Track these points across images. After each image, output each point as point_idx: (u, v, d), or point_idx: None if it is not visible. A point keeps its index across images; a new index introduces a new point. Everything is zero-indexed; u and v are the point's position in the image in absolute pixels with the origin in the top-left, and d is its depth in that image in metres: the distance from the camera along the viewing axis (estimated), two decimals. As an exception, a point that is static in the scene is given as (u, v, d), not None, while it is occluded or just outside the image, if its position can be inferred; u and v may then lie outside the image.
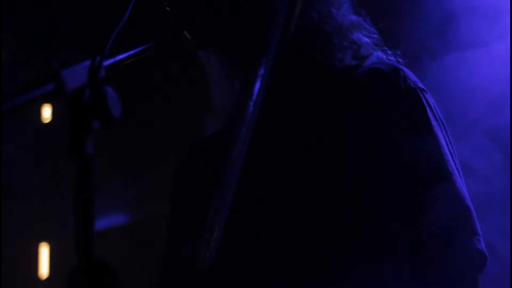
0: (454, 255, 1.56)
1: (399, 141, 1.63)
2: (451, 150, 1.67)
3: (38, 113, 4.60)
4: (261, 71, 1.21)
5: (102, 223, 4.26)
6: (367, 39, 1.84)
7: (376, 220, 1.60)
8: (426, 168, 1.62)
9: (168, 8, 1.64)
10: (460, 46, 3.13)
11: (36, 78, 1.14)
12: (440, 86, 2.61)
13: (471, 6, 3.10)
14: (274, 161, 1.71)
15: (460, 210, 1.60)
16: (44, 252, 4.70)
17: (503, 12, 3.10)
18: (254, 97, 1.22)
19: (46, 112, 4.60)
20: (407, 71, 1.73)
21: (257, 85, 1.17)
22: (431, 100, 1.71)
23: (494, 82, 3.09)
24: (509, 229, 3.04)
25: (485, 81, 3.07)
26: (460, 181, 1.63)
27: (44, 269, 4.69)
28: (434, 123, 1.66)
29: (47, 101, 1.15)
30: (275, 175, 1.69)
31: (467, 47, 3.12)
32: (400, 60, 1.86)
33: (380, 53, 1.85)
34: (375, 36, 1.88)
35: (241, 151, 1.49)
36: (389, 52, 1.87)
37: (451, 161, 1.64)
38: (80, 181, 1.10)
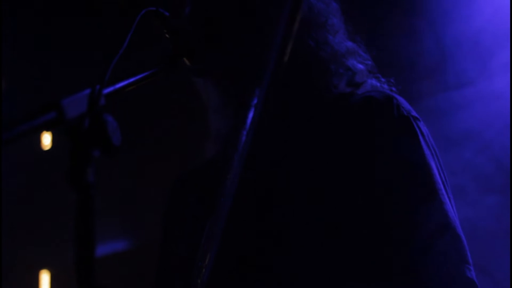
0: (445, 284, 1.55)
1: (391, 169, 1.64)
2: (443, 178, 1.67)
3: (38, 141, 4.60)
4: (254, 101, 1.21)
5: (102, 249, 4.25)
6: (361, 66, 1.85)
7: (367, 246, 1.59)
8: (417, 196, 1.62)
9: (167, 36, 1.66)
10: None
11: (37, 107, 1.15)
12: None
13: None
14: (267, 190, 1.71)
15: (451, 239, 1.59)
16: (45, 279, 4.69)
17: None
18: (247, 126, 1.23)
19: (46, 140, 4.61)
20: (401, 99, 1.74)
21: (250, 114, 1.18)
22: (424, 129, 1.72)
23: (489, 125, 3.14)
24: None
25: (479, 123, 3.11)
26: (451, 210, 1.62)
27: (45, 297, 4.68)
28: (427, 151, 1.66)
29: (48, 130, 1.16)
30: (267, 204, 1.69)
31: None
32: (393, 88, 1.87)
33: (374, 81, 1.86)
34: (369, 63, 1.89)
35: (233, 179, 1.50)
36: (383, 79, 1.88)
37: (443, 190, 1.64)
38: (80, 209, 1.11)
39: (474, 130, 3.17)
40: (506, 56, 3.16)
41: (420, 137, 1.68)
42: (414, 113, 1.72)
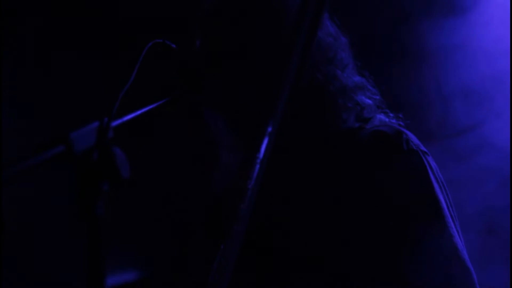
0: None
1: (400, 203, 1.64)
2: (452, 212, 1.67)
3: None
4: (269, 129, 1.21)
5: (112, 280, 4.24)
6: (369, 101, 1.86)
7: (377, 281, 1.59)
8: (426, 230, 1.62)
9: (174, 68, 1.67)
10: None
11: (44, 141, 1.15)
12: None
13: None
14: (280, 220, 1.71)
15: (460, 273, 1.59)
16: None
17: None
18: (261, 155, 1.23)
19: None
20: (409, 133, 1.75)
21: (265, 142, 1.18)
22: (433, 163, 1.72)
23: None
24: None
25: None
26: (460, 242, 1.62)
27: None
28: (435, 185, 1.67)
29: (56, 164, 1.16)
30: (281, 234, 1.69)
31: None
32: (401, 123, 1.88)
33: (382, 116, 1.87)
34: (377, 97, 1.90)
35: (248, 209, 1.50)
36: (391, 114, 1.89)
37: (451, 223, 1.64)
38: (90, 241, 1.11)
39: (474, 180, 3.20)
40: (505, 102, 3.20)
41: (429, 171, 1.69)
42: (423, 148, 1.73)
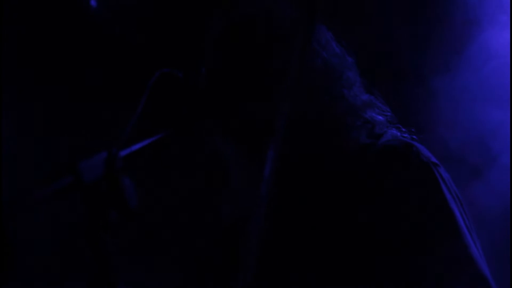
0: None
1: (414, 215, 1.64)
2: (467, 223, 1.66)
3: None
4: (270, 153, 1.22)
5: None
6: (380, 117, 1.86)
7: None
8: (442, 243, 1.61)
9: (181, 96, 1.68)
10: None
11: (53, 171, 1.16)
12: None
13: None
14: (287, 242, 1.71)
15: (477, 282, 1.58)
16: None
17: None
18: (265, 179, 1.23)
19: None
20: (420, 146, 1.74)
21: (267, 166, 1.18)
22: (445, 174, 1.72)
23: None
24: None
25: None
26: (476, 252, 1.61)
27: None
28: (448, 196, 1.66)
29: (64, 194, 1.16)
30: (288, 255, 1.70)
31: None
32: (414, 137, 1.87)
33: (394, 131, 1.86)
34: (389, 114, 1.90)
35: (254, 232, 1.49)
36: (403, 129, 1.88)
37: (467, 233, 1.63)
38: (98, 271, 1.11)
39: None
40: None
41: (441, 183, 1.68)
42: (434, 160, 1.73)
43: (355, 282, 1.63)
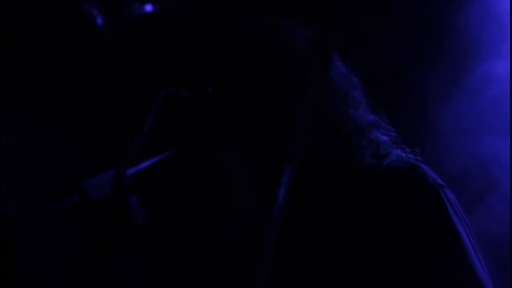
0: None
1: (420, 237, 1.63)
2: (473, 244, 1.66)
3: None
4: (285, 178, 1.22)
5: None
6: (385, 137, 1.86)
7: None
8: (448, 263, 1.61)
9: (188, 115, 1.68)
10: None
11: (59, 189, 1.16)
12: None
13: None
14: (299, 266, 1.71)
15: None
16: None
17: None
18: (278, 204, 1.22)
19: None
20: (426, 167, 1.74)
21: (282, 192, 1.18)
22: (451, 195, 1.72)
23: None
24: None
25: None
26: (482, 272, 1.60)
27: None
28: (454, 217, 1.66)
29: (71, 213, 1.16)
30: (301, 280, 1.69)
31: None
32: (418, 158, 1.87)
33: (399, 152, 1.86)
34: (393, 134, 1.90)
35: (267, 257, 1.49)
36: (408, 150, 1.89)
37: (473, 254, 1.63)
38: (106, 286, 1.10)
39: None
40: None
41: (447, 204, 1.68)
42: (439, 181, 1.73)
43: None
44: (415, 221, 1.65)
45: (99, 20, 3.79)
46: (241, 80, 1.80)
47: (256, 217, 1.76)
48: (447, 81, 3.43)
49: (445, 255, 1.62)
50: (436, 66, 3.47)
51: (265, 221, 1.20)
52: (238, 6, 3.50)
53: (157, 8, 3.80)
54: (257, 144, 1.77)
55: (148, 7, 3.79)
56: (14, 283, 1.05)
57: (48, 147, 3.99)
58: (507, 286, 2.96)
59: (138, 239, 1.14)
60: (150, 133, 1.35)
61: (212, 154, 1.80)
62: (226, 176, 1.91)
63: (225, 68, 1.84)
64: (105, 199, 1.15)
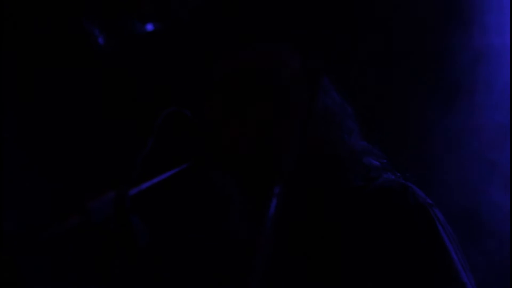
0: None
1: (410, 256, 1.63)
2: (463, 263, 1.67)
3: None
4: (276, 190, 1.23)
5: None
6: (377, 163, 1.89)
7: None
8: (439, 283, 1.61)
9: (189, 134, 1.69)
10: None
11: (61, 211, 1.16)
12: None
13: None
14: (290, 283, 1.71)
15: None
16: None
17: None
18: (270, 214, 1.23)
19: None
20: (415, 188, 1.76)
21: (273, 203, 1.19)
22: (440, 215, 1.73)
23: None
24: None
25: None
26: None
27: None
28: (444, 236, 1.67)
29: (73, 234, 1.16)
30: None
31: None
32: (408, 179, 1.88)
33: (389, 174, 1.88)
34: (384, 161, 1.92)
35: (259, 268, 1.50)
36: (398, 174, 1.90)
37: (463, 273, 1.63)
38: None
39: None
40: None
41: (437, 223, 1.69)
42: (429, 201, 1.74)
43: None
44: (406, 240, 1.66)
45: (100, 40, 3.81)
46: (233, 108, 1.83)
47: (249, 232, 1.78)
48: (441, 111, 3.47)
49: (436, 274, 1.62)
50: (431, 96, 3.51)
51: (258, 235, 1.21)
52: (236, 29, 3.53)
53: (158, 28, 3.82)
54: (252, 161, 1.79)
55: (149, 27, 3.82)
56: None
57: (50, 168, 4.00)
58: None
59: (141, 260, 1.14)
60: (152, 153, 1.35)
61: (210, 173, 1.81)
62: (223, 193, 1.92)
63: (219, 94, 1.87)
64: (107, 220, 1.15)
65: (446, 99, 3.46)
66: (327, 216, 1.76)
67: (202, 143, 1.71)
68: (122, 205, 1.19)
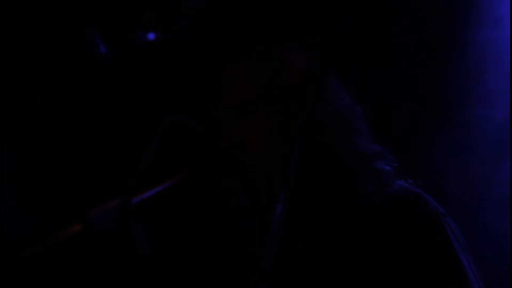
0: None
1: (422, 265, 1.63)
2: (474, 271, 1.66)
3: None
4: (281, 197, 1.22)
5: None
6: (388, 168, 1.87)
7: None
8: None
9: (192, 143, 1.69)
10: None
11: (63, 219, 1.16)
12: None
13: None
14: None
15: None
16: None
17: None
18: (276, 217, 1.23)
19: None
20: (428, 197, 1.75)
21: (278, 209, 1.18)
22: (453, 224, 1.72)
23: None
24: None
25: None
26: None
27: None
28: (456, 246, 1.67)
29: (75, 242, 1.16)
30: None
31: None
32: (421, 187, 1.87)
33: (402, 182, 1.86)
34: (396, 165, 1.90)
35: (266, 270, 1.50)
36: (410, 180, 1.89)
37: (474, 282, 1.63)
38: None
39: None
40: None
41: (449, 233, 1.69)
42: (441, 210, 1.73)
43: None
44: (418, 249, 1.65)
45: (102, 49, 3.82)
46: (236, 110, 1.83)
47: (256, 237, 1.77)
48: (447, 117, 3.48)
49: (448, 283, 1.62)
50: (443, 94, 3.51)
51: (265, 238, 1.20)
52: (240, 33, 3.53)
53: (160, 37, 3.83)
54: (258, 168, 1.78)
55: (151, 36, 3.82)
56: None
57: (52, 176, 3.99)
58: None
59: (143, 268, 1.14)
60: (155, 161, 1.35)
61: (214, 180, 1.81)
62: (228, 201, 1.92)
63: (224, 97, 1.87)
64: (110, 228, 1.15)
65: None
66: (336, 222, 1.75)
67: (205, 150, 1.70)
68: (125, 214, 1.18)
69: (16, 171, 3.73)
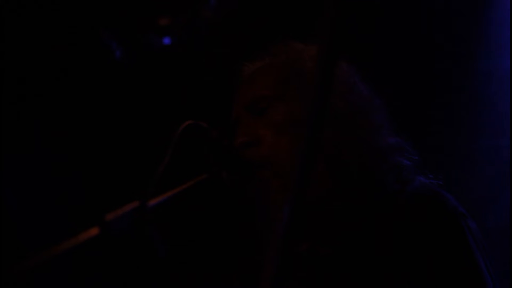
0: None
1: (441, 266, 1.63)
2: (491, 272, 1.66)
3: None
4: (291, 196, 1.23)
5: None
6: (408, 162, 1.84)
7: None
8: None
9: (208, 150, 1.69)
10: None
11: (80, 223, 1.16)
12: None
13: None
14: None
15: None
16: None
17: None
18: (285, 230, 1.23)
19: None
20: (448, 195, 1.74)
21: (288, 207, 1.18)
22: (472, 224, 1.71)
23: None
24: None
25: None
26: None
27: None
28: (474, 247, 1.66)
29: (92, 246, 1.16)
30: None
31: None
32: (441, 184, 1.85)
33: (422, 178, 1.84)
34: (416, 158, 1.87)
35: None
36: (430, 175, 1.86)
37: (490, 284, 1.63)
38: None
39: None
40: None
41: (468, 234, 1.68)
42: (461, 209, 1.72)
43: None
44: (436, 250, 1.65)
45: (118, 53, 3.83)
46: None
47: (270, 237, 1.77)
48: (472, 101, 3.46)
49: (465, 285, 1.62)
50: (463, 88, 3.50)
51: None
52: (255, 30, 3.53)
53: (175, 41, 3.83)
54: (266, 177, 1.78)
55: (166, 40, 3.83)
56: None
57: (69, 180, 4.00)
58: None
59: (160, 271, 1.14)
60: (171, 165, 1.35)
61: (230, 183, 1.80)
62: (244, 203, 1.91)
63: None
64: (127, 232, 1.15)
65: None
66: (358, 221, 1.74)
67: (221, 154, 1.70)
68: (141, 217, 1.18)
69: (33, 175, 3.74)
